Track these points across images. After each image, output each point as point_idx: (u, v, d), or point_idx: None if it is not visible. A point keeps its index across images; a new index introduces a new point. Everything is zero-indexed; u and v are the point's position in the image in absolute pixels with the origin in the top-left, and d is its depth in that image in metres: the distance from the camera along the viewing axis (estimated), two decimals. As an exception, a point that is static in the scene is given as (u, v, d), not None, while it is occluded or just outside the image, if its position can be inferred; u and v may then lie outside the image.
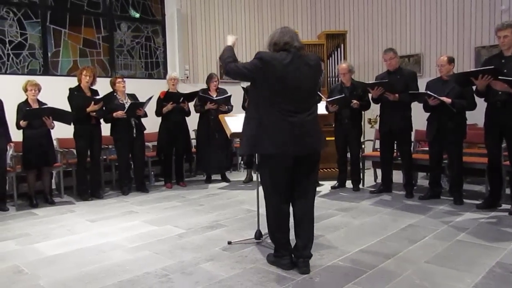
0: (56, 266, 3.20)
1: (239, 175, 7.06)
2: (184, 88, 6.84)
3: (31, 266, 3.20)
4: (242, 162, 7.65)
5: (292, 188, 2.97)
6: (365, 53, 8.44)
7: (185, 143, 6.31)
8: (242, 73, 2.92)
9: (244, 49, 8.40)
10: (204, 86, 6.49)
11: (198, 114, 6.39)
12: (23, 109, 5.01)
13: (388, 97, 4.98)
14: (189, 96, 6.09)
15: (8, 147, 5.01)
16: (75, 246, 3.64)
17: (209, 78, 6.41)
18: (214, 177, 6.68)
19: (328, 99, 5.31)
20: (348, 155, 5.75)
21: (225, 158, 6.50)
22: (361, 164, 5.81)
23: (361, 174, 5.84)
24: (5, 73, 6.05)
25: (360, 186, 5.75)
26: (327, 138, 5.05)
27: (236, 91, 6.23)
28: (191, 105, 6.26)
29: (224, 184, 6.43)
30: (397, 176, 5.63)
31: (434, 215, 4.33)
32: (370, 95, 5.30)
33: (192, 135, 6.62)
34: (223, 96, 6.18)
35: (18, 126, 5.06)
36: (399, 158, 5.40)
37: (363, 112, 5.66)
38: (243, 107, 6.05)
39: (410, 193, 5.16)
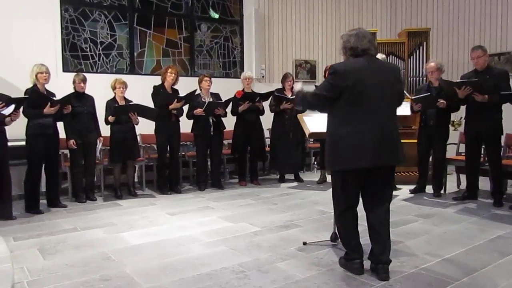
0: (140, 255, 3.38)
1: (313, 176, 7.00)
2: (260, 88, 6.91)
3: (117, 254, 3.41)
4: (316, 163, 7.58)
5: (367, 194, 2.87)
6: (450, 52, 7.95)
7: (259, 142, 6.38)
8: (322, 96, 2.81)
9: (320, 49, 8.31)
10: (280, 85, 6.52)
11: (273, 114, 6.43)
12: (112, 106, 5.36)
13: (476, 98, 4.65)
14: (265, 96, 6.17)
15: (98, 141, 5.40)
16: (156, 237, 3.83)
17: (284, 78, 6.44)
18: (287, 176, 6.68)
19: (413, 97, 5.09)
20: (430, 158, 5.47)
21: (299, 158, 6.49)
22: (443, 169, 5.49)
23: (443, 179, 5.53)
24: (96, 71, 6.51)
25: (441, 192, 5.44)
26: (407, 140, 4.85)
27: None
28: (265, 104, 6.32)
29: (297, 183, 6.41)
30: (483, 183, 5.25)
31: (527, 227, 3.98)
32: None
33: (266, 134, 6.66)
34: (299, 96, 6.14)
35: (107, 122, 5.42)
36: (486, 164, 5.03)
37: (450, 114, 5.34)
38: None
39: (498, 201, 4.79)
